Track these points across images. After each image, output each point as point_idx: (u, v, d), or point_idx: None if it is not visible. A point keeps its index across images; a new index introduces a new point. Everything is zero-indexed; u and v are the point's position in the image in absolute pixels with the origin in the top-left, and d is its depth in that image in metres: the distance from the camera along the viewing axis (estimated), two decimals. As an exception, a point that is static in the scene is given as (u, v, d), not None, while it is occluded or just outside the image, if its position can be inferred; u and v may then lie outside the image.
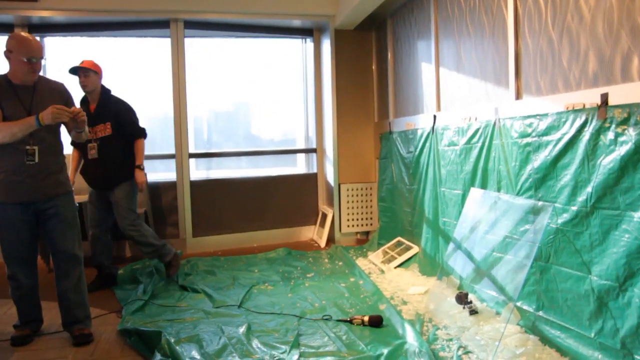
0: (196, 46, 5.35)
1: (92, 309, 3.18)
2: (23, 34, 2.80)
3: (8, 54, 2.75)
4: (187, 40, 5.13)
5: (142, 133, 4.03)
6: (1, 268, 2.88)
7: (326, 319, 3.04)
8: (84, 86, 3.83)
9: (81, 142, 3.20)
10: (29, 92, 2.79)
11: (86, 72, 3.80)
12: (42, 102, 2.77)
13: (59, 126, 2.89)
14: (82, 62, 3.80)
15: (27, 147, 2.72)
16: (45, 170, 2.80)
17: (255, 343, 2.68)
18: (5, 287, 2.91)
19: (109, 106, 3.92)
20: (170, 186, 5.20)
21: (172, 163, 5.20)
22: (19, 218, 2.79)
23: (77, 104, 3.34)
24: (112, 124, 3.87)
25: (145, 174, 4.08)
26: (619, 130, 2.15)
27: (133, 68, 5.26)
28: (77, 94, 3.81)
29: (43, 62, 2.80)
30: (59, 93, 2.91)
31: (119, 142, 3.92)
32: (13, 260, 2.85)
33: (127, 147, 3.96)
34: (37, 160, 2.75)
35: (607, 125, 2.22)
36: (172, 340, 2.64)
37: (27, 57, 2.70)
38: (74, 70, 3.81)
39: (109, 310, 3.39)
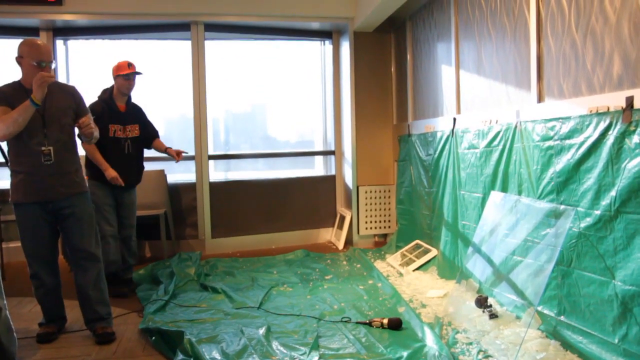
0: (215, 48, 5.40)
1: (113, 308, 3.22)
2: (33, 39, 2.85)
3: (19, 59, 2.80)
4: (206, 43, 5.18)
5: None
6: (25, 268, 2.94)
7: (345, 321, 3.05)
8: (129, 89, 3.91)
9: (91, 144, 3.35)
10: None
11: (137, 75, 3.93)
12: (55, 104, 2.82)
13: (73, 127, 2.94)
14: (132, 66, 3.87)
15: (43, 147, 2.78)
16: (61, 170, 2.85)
17: (275, 344, 2.69)
18: (29, 285, 2.98)
19: (135, 108, 4.05)
20: (189, 187, 5.25)
21: (190, 164, 5.25)
22: (39, 217, 2.85)
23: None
24: (140, 127, 3.99)
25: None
26: (645, 133, 2.13)
27: (153, 70, 5.32)
28: (93, 95, 3.88)
29: (53, 65, 2.84)
30: (71, 95, 2.95)
31: (143, 146, 4.09)
32: (35, 259, 2.91)
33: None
34: (54, 159, 2.80)
35: (632, 128, 2.19)
36: (194, 341, 2.67)
37: (36, 60, 2.75)
38: (128, 75, 3.85)
39: (130, 309, 3.44)
